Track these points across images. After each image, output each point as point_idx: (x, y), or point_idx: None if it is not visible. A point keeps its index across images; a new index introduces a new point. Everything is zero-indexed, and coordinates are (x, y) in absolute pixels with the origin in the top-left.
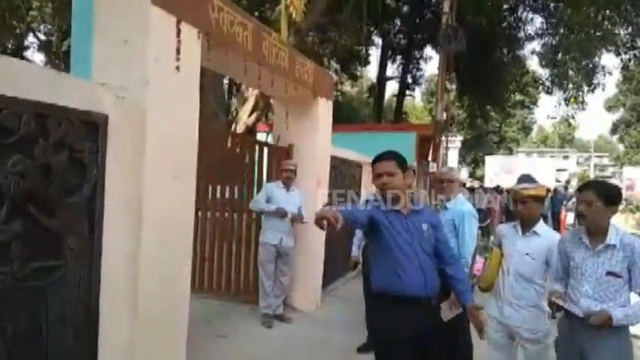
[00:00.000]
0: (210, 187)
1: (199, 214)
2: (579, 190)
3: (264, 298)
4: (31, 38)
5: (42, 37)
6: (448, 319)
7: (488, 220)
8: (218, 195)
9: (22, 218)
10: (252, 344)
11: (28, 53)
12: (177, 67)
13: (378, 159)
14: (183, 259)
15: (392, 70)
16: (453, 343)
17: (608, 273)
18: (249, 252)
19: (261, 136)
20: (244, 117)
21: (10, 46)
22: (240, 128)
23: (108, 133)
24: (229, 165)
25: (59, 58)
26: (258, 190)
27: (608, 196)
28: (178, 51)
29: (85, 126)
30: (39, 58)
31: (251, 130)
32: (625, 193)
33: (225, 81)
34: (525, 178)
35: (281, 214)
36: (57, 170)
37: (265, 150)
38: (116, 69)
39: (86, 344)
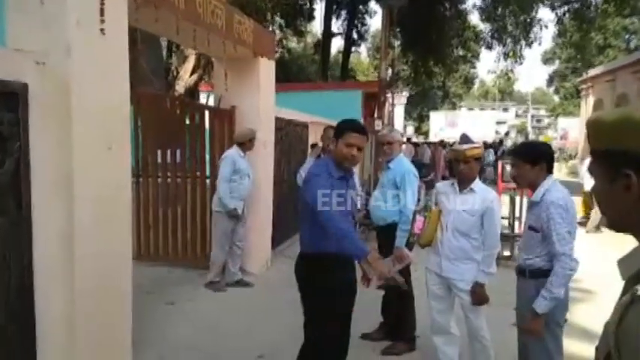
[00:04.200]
0: (156, 153)
1: (140, 180)
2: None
3: (217, 267)
4: None
5: None
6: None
7: (432, 174)
8: (160, 160)
9: None
10: (199, 309)
11: None
12: (102, 30)
13: (358, 130)
14: (122, 230)
15: (337, 25)
16: None
17: (530, 227)
18: (195, 217)
19: (203, 96)
20: (185, 77)
21: None
22: (180, 89)
23: (29, 104)
24: (170, 129)
25: None
26: (202, 155)
27: (532, 159)
28: (102, 12)
29: (3, 96)
30: None
31: (193, 91)
32: (559, 143)
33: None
34: (466, 139)
35: (232, 215)
36: None
37: (207, 113)
38: (34, 34)
39: (24, 325)
